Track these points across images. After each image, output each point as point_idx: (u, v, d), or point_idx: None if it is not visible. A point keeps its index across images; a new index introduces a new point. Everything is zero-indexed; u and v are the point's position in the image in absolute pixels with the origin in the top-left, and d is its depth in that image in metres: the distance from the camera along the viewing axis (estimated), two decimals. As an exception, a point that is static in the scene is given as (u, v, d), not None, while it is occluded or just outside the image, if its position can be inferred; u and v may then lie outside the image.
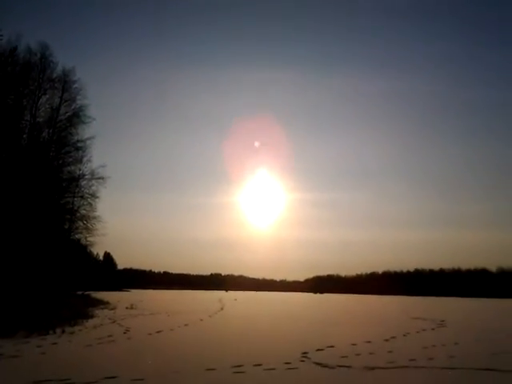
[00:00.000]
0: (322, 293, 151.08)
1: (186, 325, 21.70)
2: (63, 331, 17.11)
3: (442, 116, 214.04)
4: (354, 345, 14.61)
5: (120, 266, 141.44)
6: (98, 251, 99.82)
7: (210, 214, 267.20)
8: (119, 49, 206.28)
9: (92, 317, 25.08)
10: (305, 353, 12.58)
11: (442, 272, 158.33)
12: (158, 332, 17.88)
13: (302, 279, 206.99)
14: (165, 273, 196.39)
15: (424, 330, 21.42)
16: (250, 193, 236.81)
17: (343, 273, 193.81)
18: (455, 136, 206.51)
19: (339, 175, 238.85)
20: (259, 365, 10.61)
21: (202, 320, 25.49)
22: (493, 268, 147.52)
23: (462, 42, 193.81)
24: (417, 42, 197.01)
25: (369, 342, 15.65)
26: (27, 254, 29.74)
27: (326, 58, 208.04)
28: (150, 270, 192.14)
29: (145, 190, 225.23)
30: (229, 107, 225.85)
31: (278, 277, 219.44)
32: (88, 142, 38.01)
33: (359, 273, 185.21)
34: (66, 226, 41.22)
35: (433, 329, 22.15)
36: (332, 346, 14.01)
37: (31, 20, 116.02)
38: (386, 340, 16.37)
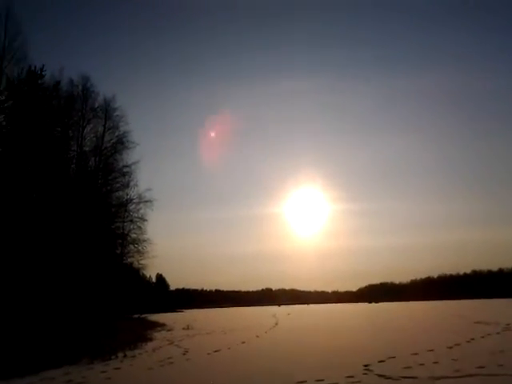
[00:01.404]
0: (376, 302, 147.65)
1: (242, 342, 21.64)
2: (124, 355, 17.40)
3: (477, 112, 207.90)
4: (415, 354, 14.15)
5: (172, 287, 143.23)
6: (151, 273, 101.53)
7: (254, 227, 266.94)
8: (155, 73, 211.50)
9: (150, 339, 25.37)
10: (366, 365, 12.29)
11: (501, 272, 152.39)
12: (215, 351, 17.91)
13: (354, 289, 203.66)
14: (216, 291, 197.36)
15: (489, 334, 20.51)
16: (293, 204, 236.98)
17: (396, 280, 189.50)
18: (490, 132, 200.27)
19: (379, 184, 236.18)
20: (321, 380, 10.43)
21: (258, 336, 25.39)
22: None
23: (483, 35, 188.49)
24: (436, 38, 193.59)
25: (431, 350, 15.14)
26: (84, 281, 30.61)
27: (355, 62, 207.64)
28: (202, 289, 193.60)
29: (185, 207, 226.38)
30: (264, 118, 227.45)
31: (329, 288, 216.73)
32: (133, 167, 39.14)
33: (413, 278, 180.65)
34: (118, 251, 42.22)
35: (498, 333, 21.20)
36: (393, 357, 13.64)
37: (70, 52, 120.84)
38: (450, 347, 15.79)
